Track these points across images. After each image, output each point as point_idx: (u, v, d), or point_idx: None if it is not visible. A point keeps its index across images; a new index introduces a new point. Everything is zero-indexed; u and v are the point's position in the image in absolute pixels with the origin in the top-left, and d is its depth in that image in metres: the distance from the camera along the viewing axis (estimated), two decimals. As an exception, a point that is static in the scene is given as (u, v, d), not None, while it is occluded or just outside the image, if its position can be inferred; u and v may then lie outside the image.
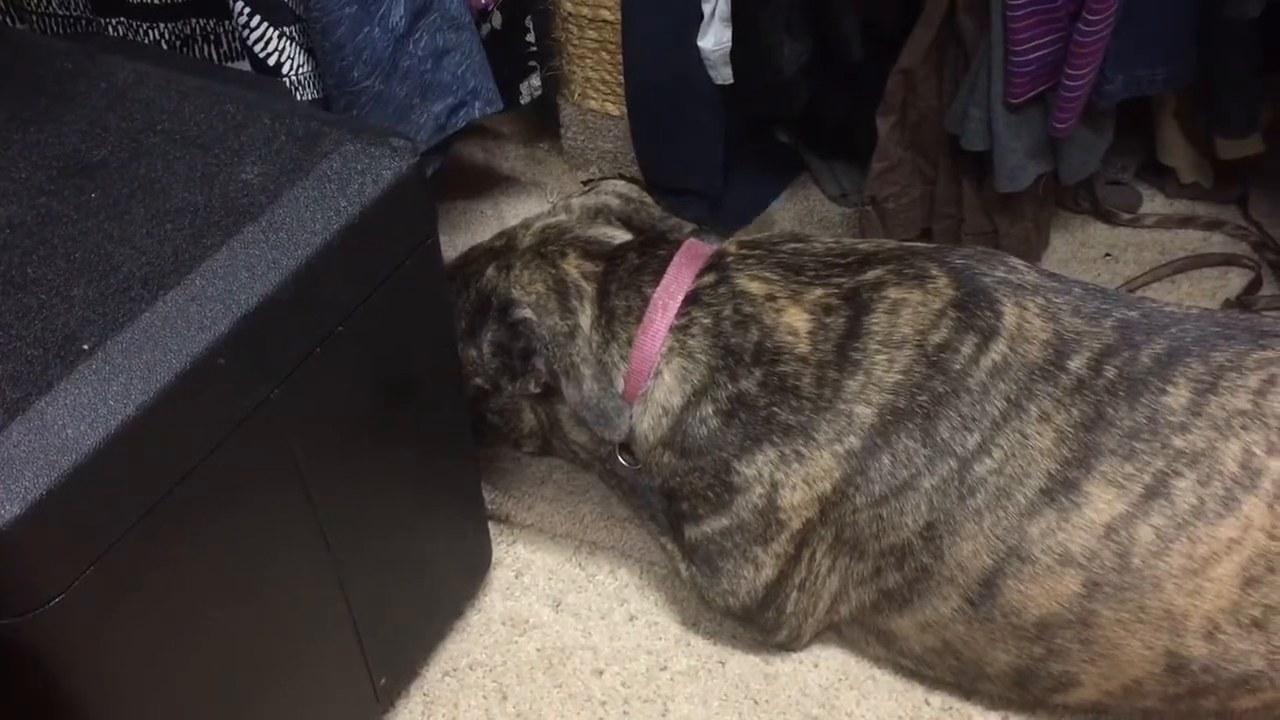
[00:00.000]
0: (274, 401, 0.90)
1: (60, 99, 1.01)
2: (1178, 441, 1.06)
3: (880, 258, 1.18)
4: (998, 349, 1.10)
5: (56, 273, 0.86)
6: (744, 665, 1.29)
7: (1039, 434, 1.08)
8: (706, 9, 1.53)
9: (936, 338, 1.11)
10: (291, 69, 1.35)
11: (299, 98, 1.37)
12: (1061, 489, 1.07)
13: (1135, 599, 1.06)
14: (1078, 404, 1.08)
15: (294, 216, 0.91)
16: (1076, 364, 1.10)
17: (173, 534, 0.85)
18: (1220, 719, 1.14)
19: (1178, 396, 1.07)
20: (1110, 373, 1.09)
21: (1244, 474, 1.04)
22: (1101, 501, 1.06)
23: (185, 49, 1.37)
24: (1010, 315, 1.12)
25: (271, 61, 1.34)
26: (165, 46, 1.36)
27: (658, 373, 1.18)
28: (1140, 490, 1.06)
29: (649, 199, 1.35)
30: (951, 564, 1.10)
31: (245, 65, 1.36)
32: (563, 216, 1.32)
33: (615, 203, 1.33)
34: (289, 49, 1.34)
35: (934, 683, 1.25)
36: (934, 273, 1.15)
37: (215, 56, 1.38)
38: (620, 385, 1.20)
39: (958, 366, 1.10)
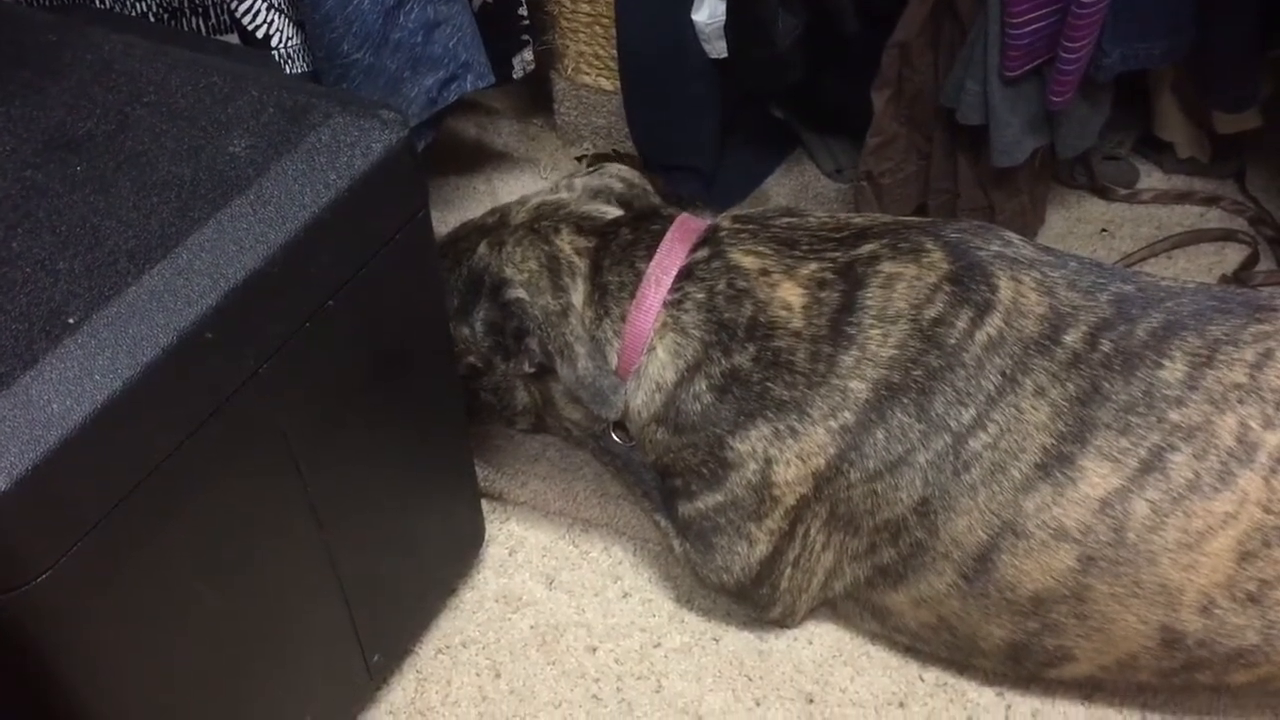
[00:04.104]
0: (263, 377, 0.89)
1: (45, 71, 1.00)
2: (1173, 416, 1.05)
3: (875, 232, 1.17)
4: (993, 323, 1.10)
5: (42, 247, 0.85)
6: (738, 642, 1.29)
7: (1034, 408, 1.07)
8: (701, -18, 1.52)
9: (931, 312, 1.11)
10: (280, 41, 1.34)
11: (288, 71, 1.36)
12: (1057, 463, 1.06)
13: (1130, 573, 1.06)
14: (1073, 378, 1.07)
15: (282, 190, 0.90)
16: (1072, 338, 1.09)
17: (161, 511, 0.84)
18: (1215, 692, 1.14)
19: (1174, 370, 1.07)
20: (1106, 347, 1.08)
21: (1240, 448, 1.04)
22: (1097, 476, 1.06)
23: (173, 21, 1.36)
24: (1005, 289, 1.11)
25: (260, 34, 1.33)
26: (152, 19, 1.35)
27: (651, 348, 1.18)
28: (1136, 465, 1.05)
29: (650, 186, 1.34)
30: (946, 539, 1.10)
31: (234, 38, 1.35)
32: (563, 194, 1.31)
33: (618, 185, 1.32)
34: (278, 21, 1.33)
35: (928, 658, 1.25)
36: (929, 247, 1.14)
37: (203, 29, 1.37)
38: (614, 361, 1.20)
39: (953, 341, 1.09)
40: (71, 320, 0.79)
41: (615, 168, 1.36)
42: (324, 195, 0.91)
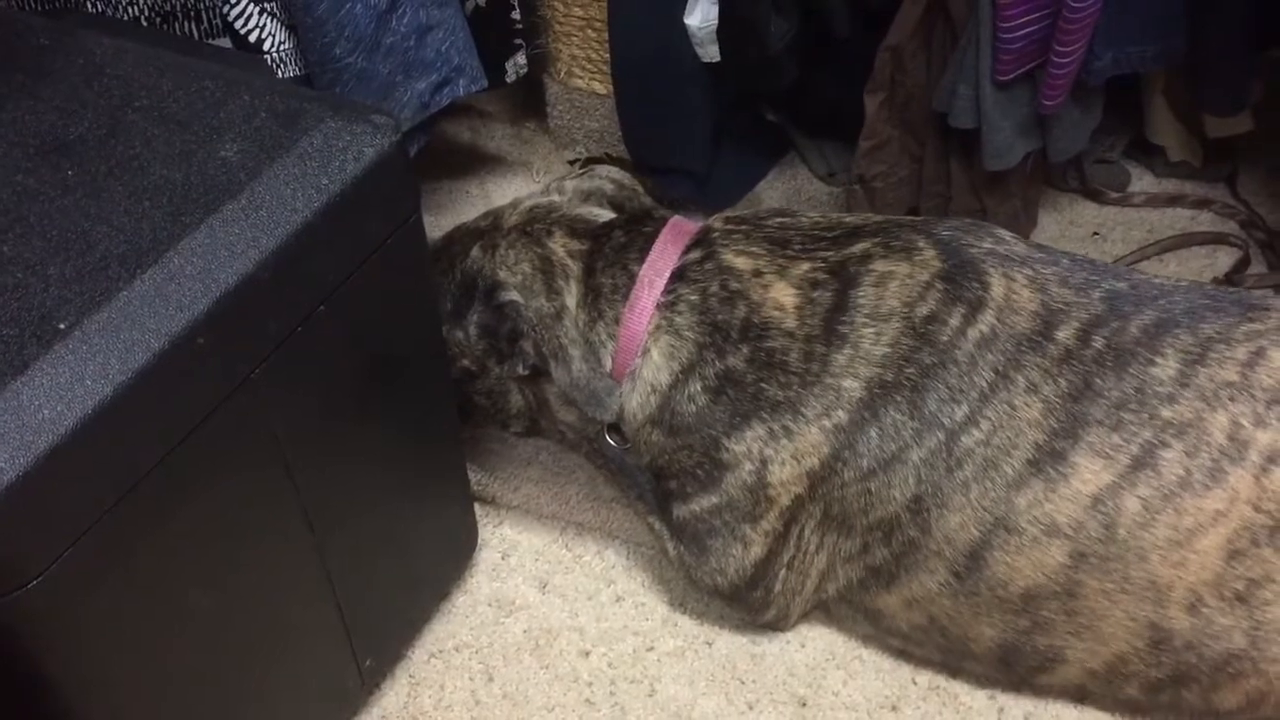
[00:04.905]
0: (255, 382, 0.89)
1: (37, 75, 1.00)
2: (1165, 413, 1.06)
3: (867, 231, 1.18)
4: (985, 320, 1.10)
5: (33, 251, 0.85)
6: (731, 645, 1.29)
7: (1026, 405, 1.08)
8: (693, -14, 1.52)
9: (924, 310, 1.11)
10: (273, 46, 1.34)
11: (281, 75, 1.36)
12: (1049, 460, 1.07)
13: (1120, 570, 1.06)
14: (1065, 375, 1.08)
15: (274, 194, 0.90)
16: (1064, 335, 1.09)
17: (153, 516, 0.84)
18: (1204, 718, 1.15)
19: (1166, 368, 1.07)
20: (1098, 343, 1.08)
21: (1231, 446, 1.04)
22: (1088, 472, 1.06)
23: (165, 25, 1.36)
24: (998, 286, 1.11)
25: (253, 38, 1.32)
26: (144, 23, 1.35)
27: (645, 350, 1.18)
28: (1127, 461, 1.05)
29: (641, 189, 1.34)
30: (939, 537, 1.10)
31: (226, 42, 1.35)
32: (555, 197, 1.31)
33: (609, 187, 1.32)
34: (270, 25, 1.33)
35: (921, 662, 1.25)
36: (921, 245, 1.15)
37: (196, 33, 1.37)
38: (608, 364, 1.20)
39: (945, 338, 1.10)
40: (62, 326, 0.79)
41: (606, 169, 1.36)
42: (316, 200, 0.91)
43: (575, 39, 1.74)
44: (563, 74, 1.79)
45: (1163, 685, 1.12)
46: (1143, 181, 1.79)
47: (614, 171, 1.36)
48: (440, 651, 1.29)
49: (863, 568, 1.17)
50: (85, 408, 0.76)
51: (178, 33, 1.36)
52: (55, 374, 0.77)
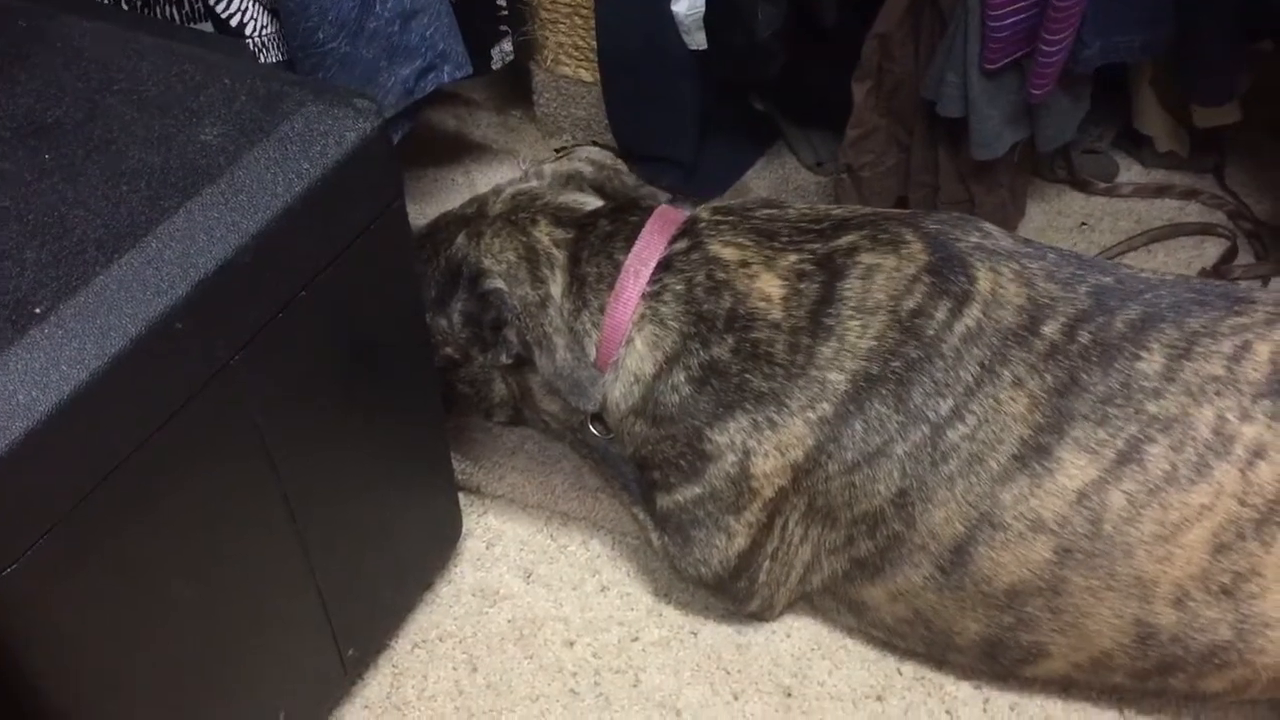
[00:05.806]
0: (234, 368, 0.88)
1: (15, 59, 0.99)
2: (1151, 407, 1.05)
3: (854, 223, 1.17)
4: (971, 314, 1.09)
5: (9, 235, 0.84)
6: (716, 635, 1.28)
7: (1012, 399, 1.07)
8: (680, -27, 1.51)
9: (910, 303, 1.10)
10: (255, 30, 1.32)
11: (263, 60, 1.35)
12: (1034, 455, 1.06)
13: (1106, 565, 1.06)
14: (1051, 369, 1.07)
15: (254, 178, 0.89)
16: (1050, 329, 1.09)
17: (130, 503, 0.84)
18: (1190, 702, 1.15)
19: (1152, 362, 1.07)
20: (1084, 338, 1.08)
21: (1217, 440, 1.04)
22: (1074, 467, 1.06)
23: (146, 9, 1.35)
24: (984, 280, 1.11)
25: (234, 22, 1.31)
26: (125, 6, 1.33)
27: (629, 340, 1.17)
28: (1113, 456, 1.05)
29: (623, 166, 1.34)
30: (923, 531, 1.10)
31: (207, 26, 1.33)
32: (534, 183, 1.30)
33: (588, 169, 1.31)
34: (252, 9, 1.32)
35: (906, 653, 1.25)
36: (908, 238, 1.14)
37: (177, 17, 1.35)
38: (592, 353, 1.19)
39: (931, 332, 1.09)
40: (38, 310, 0.78)
41: (585, 151, 1.35)
42: (297, 184, 0.90)
43: (562, 26, 1.73)
44: (549, 61, 1.78)
45: (1149, 674, 1.12)
46: (1130, 172, 1.79)
47: (593, 152, 1.36)
48: (424, 641, 1.29)
49: (847, 560, 1.17)
50: (61, 393, 0.76)
51: (158, 16, 1.35)
52: (31, 359, 0.76)
